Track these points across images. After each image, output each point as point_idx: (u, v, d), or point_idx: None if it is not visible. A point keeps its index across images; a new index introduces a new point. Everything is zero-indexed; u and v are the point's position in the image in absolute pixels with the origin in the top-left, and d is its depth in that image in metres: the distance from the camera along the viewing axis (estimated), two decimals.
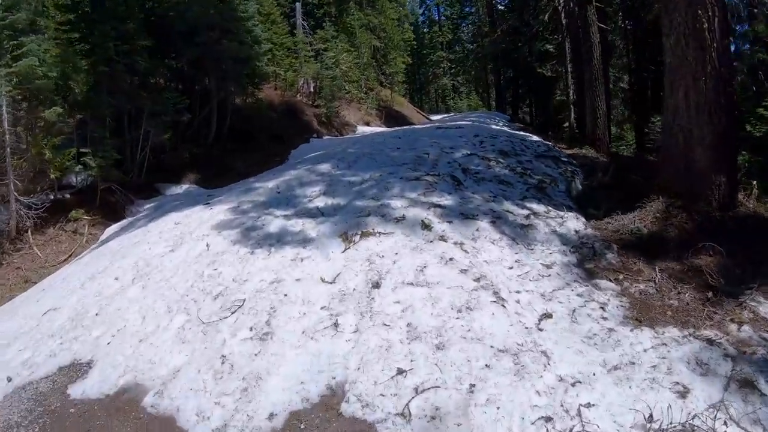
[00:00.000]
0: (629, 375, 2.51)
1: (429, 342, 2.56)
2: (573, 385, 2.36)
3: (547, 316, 2.92)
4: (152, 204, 7.71)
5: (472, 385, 2.34)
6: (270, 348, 2.65)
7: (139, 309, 3.28)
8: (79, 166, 7.09)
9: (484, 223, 4.14)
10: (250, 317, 2.93)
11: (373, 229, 3.84)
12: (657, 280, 3.68)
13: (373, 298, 2.95)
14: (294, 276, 3.30)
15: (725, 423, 2.25)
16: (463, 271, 3.21)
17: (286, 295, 3.08)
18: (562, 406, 2.28)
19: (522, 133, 10.40)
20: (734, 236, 4.13)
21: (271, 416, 2.37)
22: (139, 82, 7.91)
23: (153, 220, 5.63)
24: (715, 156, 4.51)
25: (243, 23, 9.79)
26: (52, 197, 7.00)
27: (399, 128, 13.13)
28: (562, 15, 13.17)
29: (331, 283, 3.18)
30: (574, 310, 3.04)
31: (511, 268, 3.51)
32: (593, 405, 2.27)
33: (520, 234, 4.17)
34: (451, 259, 3.36)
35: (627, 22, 14.87)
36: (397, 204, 4.40)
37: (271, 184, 5.67)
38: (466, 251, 3.56)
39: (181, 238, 4.39)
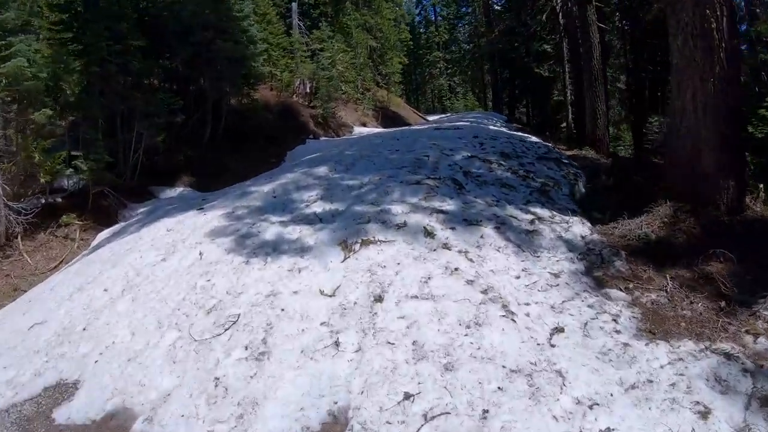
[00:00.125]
0: (648, 395, 2.37)
1: (437, 362, 2.41)
2: (591, 407, 2.22)
3: (559, 330, 2.78)
4: (145, 208, 7.51)
5: (485, 411, 2.19)
6: (267, 369, 2.48)
7: (128, 324, 3.11)
8: (70, 170, 6.89)
9: (488, 230, 4.00)
10: (245, 334, 2.76)
11: (374, 237, 3.69)
12: (668, 289, 3.57)
13: (375, 313, 2.79)
14: (291, 288, 3.13)
15: None
16: (470, 282, 3.07)
17: (283, 309, 2.91)
18: None
19: (521, 133, 10.28)
20: (743, 241, 4.03)
21: None
22: (132, 82, 7.72)
23: (145, 226, 5.45)
24: (724, 159, 4.41)
25: (238, 23, 9.62)
26: (43, 201, 6.81)
27: (396, 129, 12.98)
28: (560, 15, 13.10)
29: (330, 296, 3.02)
30: (585, 323, 2.90)
31: (518, 277, 3.37)
32: (613, 430, 2.13)
33: (525, 240, 4.04)
34: (456, 269, 3.21)
35: (624, 22, 14.81)
36: (398, 209, 4.25)
37: (266, 188, 5.51)
38: (471, 260, 3.42)
39: (173, 245, 4.22)
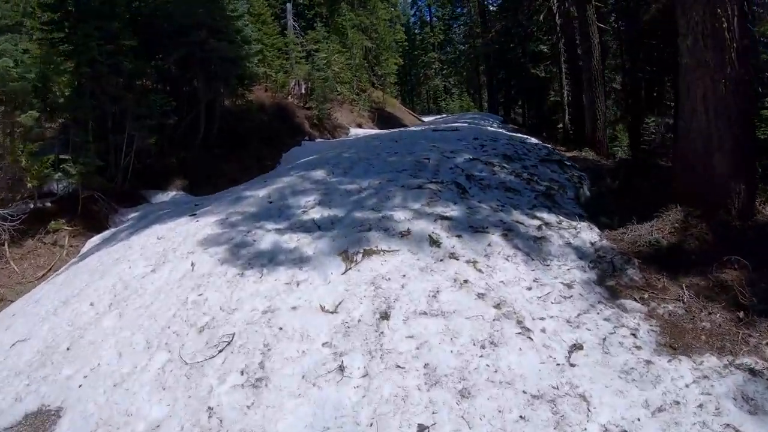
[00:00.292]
0: (677, 418, 2.20)
1: (451, 388, 2.21)
2: None
3: (578, 347, 2.61)
4: (137, 213, 7.28)
5: None
6: (265, 398, 2.26)
7: (114, 343, 2.88)
8: (59, 174, 6.65)
9: (495, 237, 3.83)
10: (240, 357, 2.54)
11: (377, 246, 3.49)
12: (685, 299, 3.42)
13: (382, 332, 2.58)
14: (290, 303, 2.92)
15: None
16: (481, 296, 2.88)
17: (281, 328, 2.70)
18: None
19: (519, 135, 10.14)
20: (757, 247, 3.90)
21: None
22: (124, 83, 7.48)
23: (136, 233, 5.22)
24: (735, 162, 4.28)
25: (233, 22, 9.40)
26: (31, 206, 6.57)
27: (394, 130, 12.80)
28: (557, 16, 13.00)
29: (332, 312, 2.80)
30: (604, 339, 2.73)
31: (530, 288, 3.19)
32: None
33: (533, 248, 3.87)
34: (465, 282, 3.03)
35: (620, 22, 14.75)
36: (401, 216, 4.07)
37: (261, 192, 5.30)
38: (480, 271, 3.24)
39: (164, 255, 4.00)
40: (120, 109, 7.24)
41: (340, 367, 2.38)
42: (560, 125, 15.46)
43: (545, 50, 16.35)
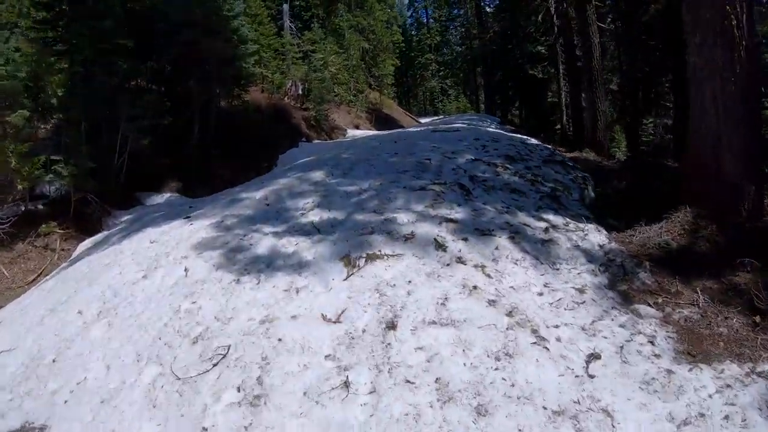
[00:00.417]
0: None
1: (466, 405, 2.05)
2: None
3: (595, 357, 2.47)
4: (130, 216, 7.10)
5: None
6: (264, 418, 2.08)
7: (103, 356, 2.71)
8: (50, 175, 6.46)
9: (502, 240, 3.68)
10: (236, 372, 2.36)
11: (380, 251, 3.34)
12: (700, 304, 3.30)
13: (389, 344, 2.42)
14: (289, 312, 2.75)
15: None
16: (492, 303, 2.73)
17: (280, 339, 2.53)
18: None
19: (519, 135, 10.03)
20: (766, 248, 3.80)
21: None
22: (118, 83, 7.31)
23: (128, 237, 5.04)
24: (745, 163, 4.19)
25: (229, 22, 9.25)
26: (22, 209, 6.38)
27: (393, 131, 12.67)
28: (554, 16, 12.93)
29: (335, 322, 2.63)
30: (621, 347, 2.59)
31: (541, 294, 3.05)
32: None
33: (542, 251, 3.73)
34: (474, 288, 2.88)
35: (618, 23, 14.72)
36: (404, 218, 3.92)
37: (258, 194, 5.13)
38: (489, 276, 3.09)
39: (156, 260, 3.82)
40: (114, 110, 7.08)
41: (344, 382, 2.21)
42: (558, 126, 15.40)
43: (543, 51, 16.30)
